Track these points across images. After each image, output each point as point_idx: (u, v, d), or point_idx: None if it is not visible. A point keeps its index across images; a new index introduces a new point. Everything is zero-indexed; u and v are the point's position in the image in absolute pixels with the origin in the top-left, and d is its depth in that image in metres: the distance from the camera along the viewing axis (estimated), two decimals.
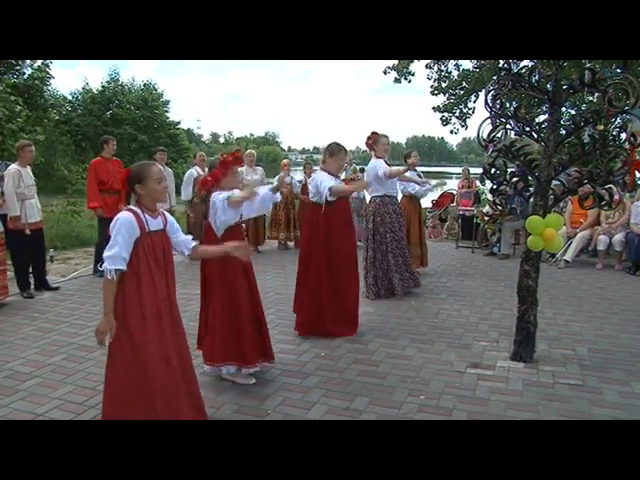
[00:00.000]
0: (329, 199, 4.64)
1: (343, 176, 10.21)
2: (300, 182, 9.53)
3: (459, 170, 15.64)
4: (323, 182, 4.66)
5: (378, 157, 6.02)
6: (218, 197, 3.57)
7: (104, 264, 2.68)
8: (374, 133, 6.03)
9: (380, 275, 6.01)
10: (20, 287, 6.05)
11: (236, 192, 3.57)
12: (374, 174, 5.95)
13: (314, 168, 9.43)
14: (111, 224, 2.74)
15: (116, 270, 2.67)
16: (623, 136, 3.87)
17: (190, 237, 3.13)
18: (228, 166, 3.63)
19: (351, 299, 4.85)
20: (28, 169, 6.11)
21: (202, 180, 3.74)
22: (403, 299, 5.98)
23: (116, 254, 2.66)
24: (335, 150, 4.79)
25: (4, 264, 5.74)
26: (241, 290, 3.67)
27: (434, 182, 8.07)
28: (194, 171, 8.47)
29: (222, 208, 3.53)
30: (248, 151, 9.52)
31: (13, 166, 6.01)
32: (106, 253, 2.69)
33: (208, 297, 3.76)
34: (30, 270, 6.24)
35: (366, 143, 6.06)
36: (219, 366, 3.70)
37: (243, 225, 3.79)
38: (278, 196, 3.95)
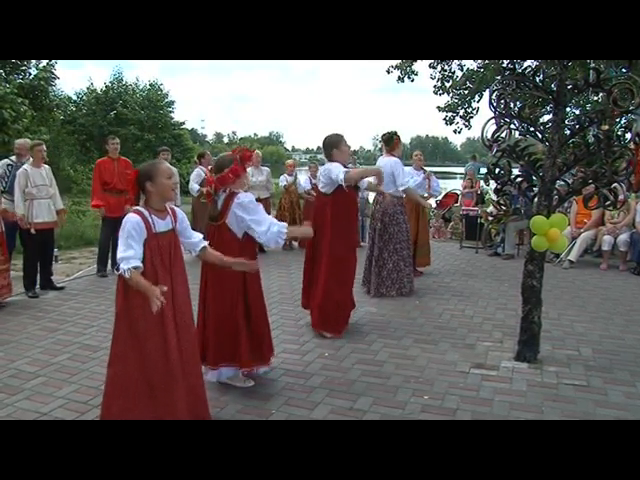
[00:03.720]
0: (343, 184, 4.59)
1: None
2: (306, 187, 9.50)
3: (463, 170, 15.60)
4: (336, 169, 4.59)
5: (393, 155, 6.11)
6: (260, 211, 3.45)
7: (120, 266, 2.67)
8: (397, 133, 6.16)
9: (384, 274, 6.03)
10: (26, 286, 6.07)
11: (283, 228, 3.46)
12: (390, 173, 5.95)
13: (320, 167, 9.43)
14: (120, 229, 2.75)
15: (134, 267, 2.66)
16: (628, 136, 3.86)
17: (201, 237, 3.12)
18: (247, 161, 3.53)
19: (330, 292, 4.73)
20: (42, 170, 6.13)
21: (221, 177, 3.47)
22: (407, 299, 5.98)
23: (130, 255, 2.67)
24: (336, 141, 4.74)
25: (7, 262, 5.76)
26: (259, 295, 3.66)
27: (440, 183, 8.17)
28: (200, 171, 8.45)
29: (276, 240, 3.43)
30: (254, 152, 9.50)
31: (24, 166, 6.07)
32: (119, 255, 2.70)
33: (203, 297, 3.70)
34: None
35: (394, 142, 6.11)
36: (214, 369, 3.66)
37: None
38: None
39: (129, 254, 2.67)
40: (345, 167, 4.75)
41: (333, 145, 4.75)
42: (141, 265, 2.71)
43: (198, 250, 3.11)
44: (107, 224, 6.90)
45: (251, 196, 3.53)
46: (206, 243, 3.16)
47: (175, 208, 3.02)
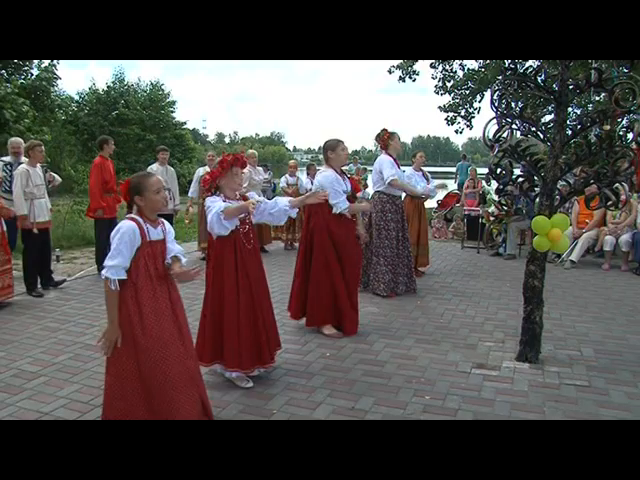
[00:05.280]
0: (336, 211, 4.67)
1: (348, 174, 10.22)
2: (307, 187, 9.51)
3: (454, 169, 15.62)
4: (334, 194, 4.60)
5: (388, 154, 6.10)
6: (212, 205, 3.51)
7: (106, 272, 2.69)
8: (386, 130, 6.13)
9: (373, 270, 6.06)
10: (28, 286, 6.08)
11: (233, 204, 3.50)
12: (379, 170, 6.07)
13: (318, 168, 9.44)
14: (113, 232, 2.75)
15: (119, 280, 2.70)
16: (630, 136, 3.85)
17: (179, 249, 3.06)
18: (226, 165, 3.58)
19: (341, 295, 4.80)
20: (38, 169, 6.14)
21: (203, 179, 3.72)
22: (408, 299, 5.98)
23: (119, 264, 2.69)
24: (334, 144, 4.78)
25: (9, 263, 5.76)
26: (230, 293, 3.62)
27: (437, 182, 8.24)
28: (201, 170, 8.51)
29: (217, 221, 3.44)
30: (250, 151, 9.50)
31: (22, 166, 6.05)
32: (108, 262, 2.70)
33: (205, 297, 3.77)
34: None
35: (381, 139, 6.13)
36: (208, 366, 3.72)
37: (247, 227, 3.74)
38: (294, 211, 3.92)
39: (117, 262, 2.68)
40: (341, 172, 4.82)
41: (329, 148, 4.81)
42: (125, 277, 2.72)
43: (169, 258, 2.98)
44: (103, 224, 6.73)
45: (209, 200, 3.58)
46: (180, 255, 3.06)
47: (164, 221, 3.03)
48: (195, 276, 2.95)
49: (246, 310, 3.64)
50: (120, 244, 2.70)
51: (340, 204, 4.64)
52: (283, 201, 3.90)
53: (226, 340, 3.62)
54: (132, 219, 2.80)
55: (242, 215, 3.59)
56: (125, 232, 2.72)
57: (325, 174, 4.78)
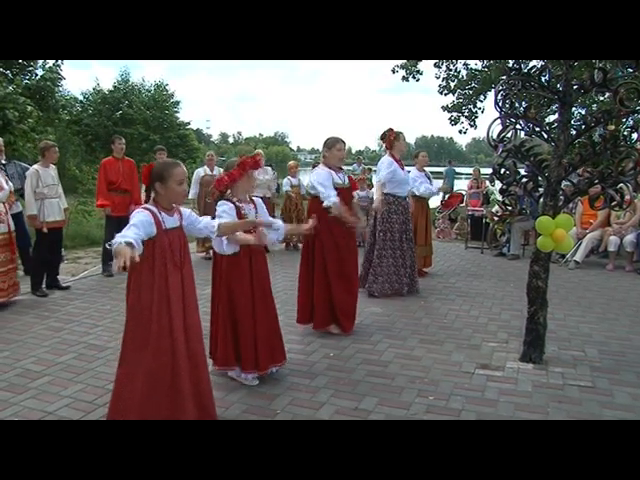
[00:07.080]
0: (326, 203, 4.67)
1: (352, 174, 10.19)
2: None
3: (469, 170, 15.65)
4: (324, 190, 4.64)
5: (392, 155, 6.09)
6: (218, 209, 3.52)
7: (114, 240, 2.49)
8: (392, 130, 6.12)
9: (372, 272, 6.06)
10: (32, 285, 6.11)
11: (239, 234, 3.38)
12: (380, 171, 6.10)
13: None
14: (131, 217, 2.73)
15: (127, 243, 2.45)
16: (634, 136, 3.84)
17: (209, 218, 3.14)
18: (246, 168, 3.57)
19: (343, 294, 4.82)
20: (51, 169, 6.19)
21: (218, 179, 3.67)
22: (412, 300, 5.97)
23: (127, 234, 2.54)
24: (331, 143, 4.80)
25: (14, 262, 5.79)
26: (245, 294, 3.63)
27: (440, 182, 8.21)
28: (201, 170, 8.50)
29: (218, 244, 3.44)
30: (256, 151, 9.53)
31: (34, 166, 6.13)
32: (118, 235, 2.55)
33: (213, 299, 3.78)
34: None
35: (386, 139, 6.11)
36: (227, 369, 3.76)
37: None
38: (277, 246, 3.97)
39: (127, 232, 2.56)
40: (336, 171, 4.81)
41: (325, 145, 4.86)
42: (133, 242, 2.49)
43: (215, 229, 3.11)
44: (111, 223, 6.85)
45: (221, 208, 3.55)
46: (218, 220, 3.19)
47: (179, 207, 3.02)
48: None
49: (261, 310, 3.67)
50: (133, 225, 2.62)
51: (330, 198, 4.59)
52: (279, 231, 3.80)
53: (242, 343, 3.63)
54: (146, 209, 2.77)
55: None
56: (140, 217, 2.69)
57: (317, 172, 4.83)
